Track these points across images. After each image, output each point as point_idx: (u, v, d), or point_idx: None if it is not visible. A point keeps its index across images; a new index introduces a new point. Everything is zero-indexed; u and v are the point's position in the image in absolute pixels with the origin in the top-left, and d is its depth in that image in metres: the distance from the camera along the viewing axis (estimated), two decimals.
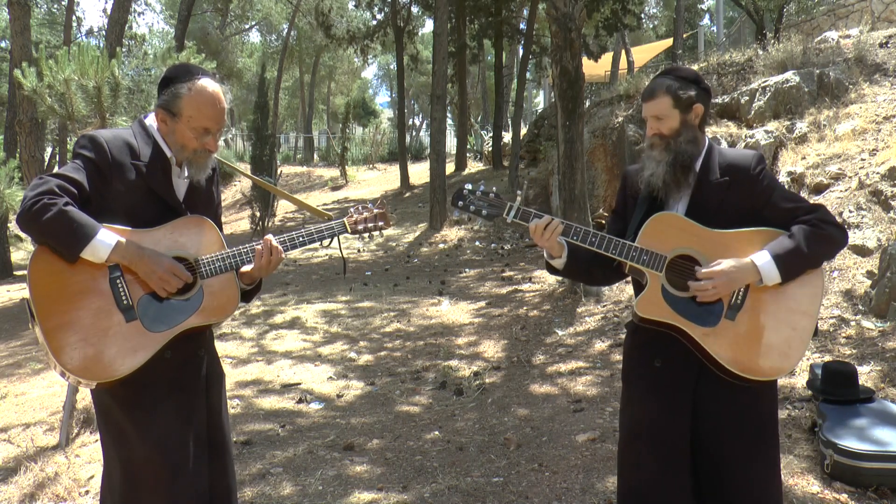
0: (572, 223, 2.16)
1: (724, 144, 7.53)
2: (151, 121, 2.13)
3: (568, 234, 2.15)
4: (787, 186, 6.37)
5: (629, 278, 2.29)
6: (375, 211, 2.39)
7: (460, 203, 2.25)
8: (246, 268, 2.19)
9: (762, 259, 2.03)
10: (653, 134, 2.16)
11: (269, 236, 2.19)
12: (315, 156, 31.92)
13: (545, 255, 2.27)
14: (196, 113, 2.06)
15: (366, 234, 2.37)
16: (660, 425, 2.13)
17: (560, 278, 8.28)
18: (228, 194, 21.99)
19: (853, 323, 4.90)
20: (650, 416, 2.15)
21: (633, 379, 2.26)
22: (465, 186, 2.26)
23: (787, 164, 7.04)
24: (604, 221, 9.54)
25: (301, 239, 2.24)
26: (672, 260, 2.08)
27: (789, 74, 8.23)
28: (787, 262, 2.03)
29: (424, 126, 42.34)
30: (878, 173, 6.11)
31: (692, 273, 2.07)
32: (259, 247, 2.16)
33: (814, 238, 2.04)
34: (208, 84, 2.08)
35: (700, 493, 2.14)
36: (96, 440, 4.14)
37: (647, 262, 2.08)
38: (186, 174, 2.15)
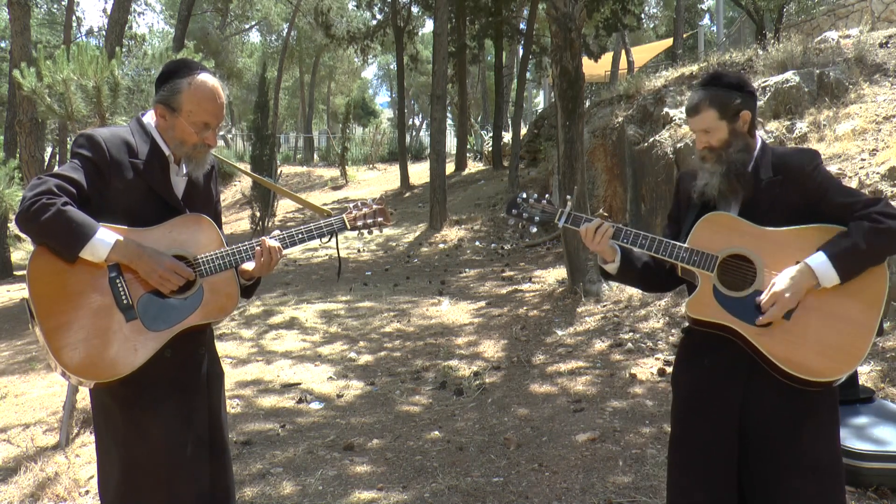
0: (623, 226, 2.15)
1: None
2: (149, 119, 2.13)
3: (618, 237, 2.15)
4: None
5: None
6: (375, 207, 2.38)
7: (514, 211, 2.29)
8: (248, 265, 2.20)
9: (817, 261, 1.96)
10: (703, 147, 2.13)
11: (265, 238, 2.18)
12: (315, 156, 31.92)
13: (598, 259, 2.27)
14: (196, 107, 2.05)
15: (365, 231, 2.36)
16: (703, 425, 2.11)
17: (561, 278, 8.27)
18: (228, 194, 22.00)
19: None
20: (694, 415, 2.14)
21: (682, 378, 2.24)
22: (521, 195, 2.30)
23: None
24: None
25: (300, 236, 2.23)
26: (724, 260, 2.06)
27: (789, 74, 8.22)
28: (845, 262, 1.94)
29: (424, 126, 42.34)
30: (878, 173, 6.10)
31: (745, 272, 2.04)
32: (258, 248, 2.16)
33: (872, 233, 1.94)
34: (208, 79, 2.08)
35: (744, 498, 2.10)
36: None
37: (698, 262, 2.06)
38: (185, 171, 2.15)
